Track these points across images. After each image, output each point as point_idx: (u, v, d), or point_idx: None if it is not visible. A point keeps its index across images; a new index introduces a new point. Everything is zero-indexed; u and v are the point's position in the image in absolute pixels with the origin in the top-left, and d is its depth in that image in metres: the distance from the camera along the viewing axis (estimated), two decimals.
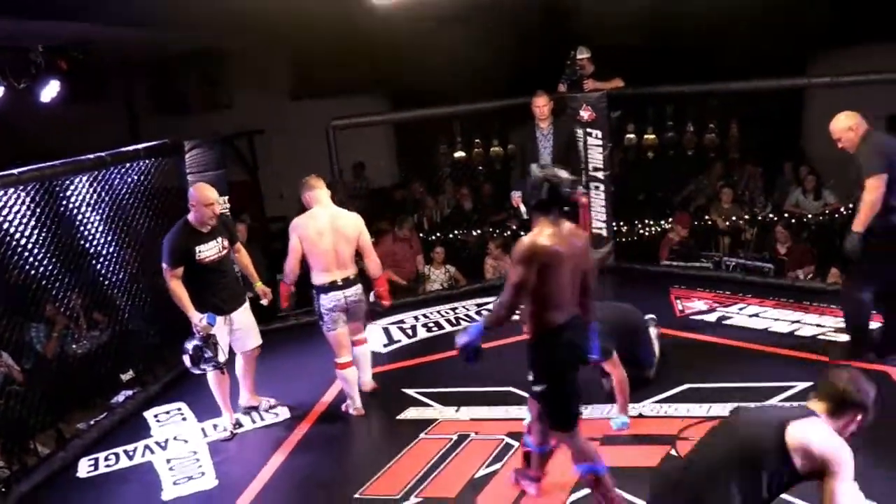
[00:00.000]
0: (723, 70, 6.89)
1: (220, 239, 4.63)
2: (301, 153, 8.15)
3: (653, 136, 7.53)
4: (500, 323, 3.43)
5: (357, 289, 4.81)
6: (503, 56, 7.81)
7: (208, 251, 4.56)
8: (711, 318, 6.00)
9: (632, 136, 7.58)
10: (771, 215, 7.90)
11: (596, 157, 7.14)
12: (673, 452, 4.08)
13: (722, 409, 4.44)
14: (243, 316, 4.84)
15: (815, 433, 2.55)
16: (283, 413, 5.11)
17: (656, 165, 8.01)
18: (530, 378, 3.52)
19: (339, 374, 4.93)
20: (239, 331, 4.79)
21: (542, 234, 3.33)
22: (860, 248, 4.65)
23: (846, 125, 4.69)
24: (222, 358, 4.60)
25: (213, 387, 4.81)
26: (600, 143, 7.11)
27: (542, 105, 6.52)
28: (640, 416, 4.52)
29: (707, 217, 8.03)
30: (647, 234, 8.15)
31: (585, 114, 7.08)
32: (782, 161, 8.47)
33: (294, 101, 10.01)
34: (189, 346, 4.53)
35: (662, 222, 8.09)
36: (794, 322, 5.71)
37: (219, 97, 10.48)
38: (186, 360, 4.55)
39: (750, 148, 8.38)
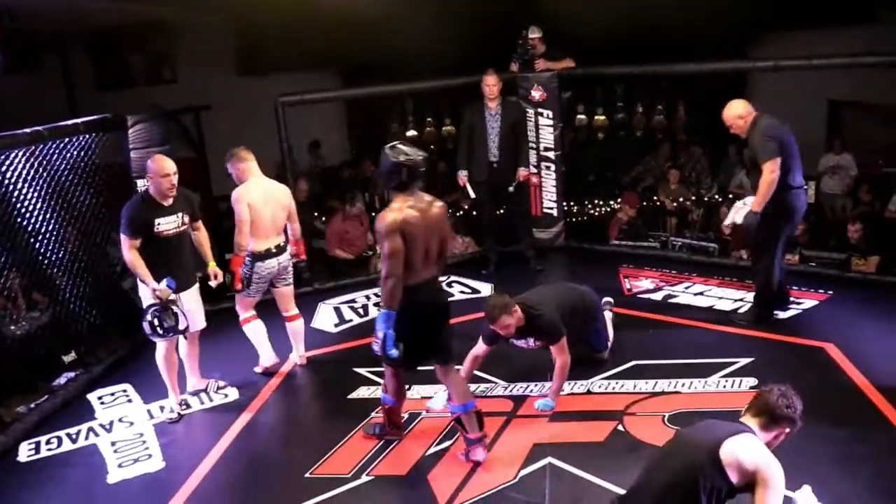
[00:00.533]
0: (670, 52, 6.98)
1: (180, 214, 4.56)
2: (249, 130, 7.97)
3: (603, 117, 7.58)
4: (396, 297, 3.71)
5: (287, 255, 5.11)
6: (457, 33, 7.75)
7: (168, 224, 4.49)
8: (658, 296, 6.12)
9: (582, 116, 7.62)
10: (716, 196, 8.07)
11: (547, 137, 7.18)
12: (620, 428, 4.16)
13: (667, 385, 4.56)
14: (192, 296, 4.76)
15: (747, 448, 2.73)
16: (232, 394, 5.04)
17: (606, 146, 8.10)
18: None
19: (246, 329, 5.18)
20: (187, 312, 4.65)
21: (402, 208, 3.74)
22: (756, 225, 5.12)
23: (737, 113, 5.12)
24: (183, 325, 4.52)
25: (161, 367, 4.72)
26: (551, 123, 7.15)
27: (491, 84, 6.51)
28: (589, 392, 4.60)
29: (655, 197, 8.17)
30: (597, 214, 8.26)
31: (537, 94, 7.11)
32: (727, 143, 8.65)
33: (241, 77, 9.80)
34: (147, 313, 4.42)
35: (612, 202, 8.20)
36: (737, 301, 5.86)
37: (163, 72, 10.20)
38: (146, 327, 4.43)
39: (696, 130, 8.52)
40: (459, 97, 7.07)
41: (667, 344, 5.18)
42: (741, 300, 5.84)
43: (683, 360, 4.87)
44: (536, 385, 4.70)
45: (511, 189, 6.65)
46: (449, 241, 4.25)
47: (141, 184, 5.96)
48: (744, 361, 4.78)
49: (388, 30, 7.78)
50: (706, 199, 8.10)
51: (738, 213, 5.31)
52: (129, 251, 4.40)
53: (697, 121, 8.16)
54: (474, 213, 8.06)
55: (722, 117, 5.18)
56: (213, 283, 4.86)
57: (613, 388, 4.62)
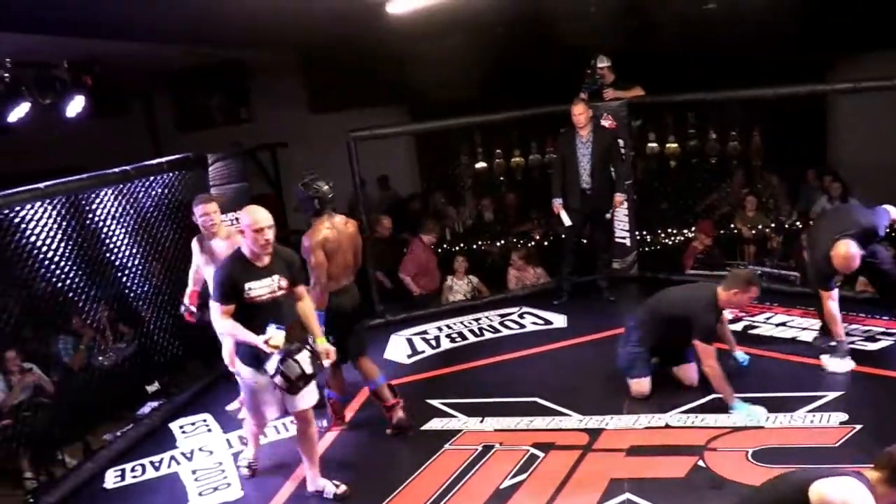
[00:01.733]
0: (745, 76, 6.85)
1: (276, 277, 3.90)
2: (323, 166, 8.19)
3: (675, 145, 7.48)
4: (324, 301, 4.49)
5: None
6: (522, 65, 7.81)
7: (260, 289, 3.84)
8: (738, 327, 5.91)
9: (654, 144, 7.54)
10: (797, 223, 7.81)
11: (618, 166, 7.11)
12: (701, 463, 4.02)
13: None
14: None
15: (840, 489, 2.53)
16: None
17: (679, 174, 7.96)
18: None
19: None
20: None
21: (321, 229, 4.47)
22: None
23: None
24: (308, 368, 3.83)
25: (247, 417, 4.38)
26: (622, 151, 7.08)
27: (578, 114, 6.54)
28: (667, 426, 4.47)
29: (732, 225, 7.96)
30: (670, 243, 8.09)
31: (606, 123, 7.06)
32: (805, 168, 8.39)
33: (314, 115, 10.08)
34: (271, 366, 3.78)
35: (686, 231, 8.03)
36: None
37: (240, 111, 10.60)
38: (279, 381, 3.79)
39: (773, 155, 8.30)
40: (530, 128, 7.09)
41: (748, 376, 5.00)
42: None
43: (766, 394, 4.68)
44: (612, 418, 4.59)
45: (608, 216, 6.64)
46: (360, 254, 4.79)
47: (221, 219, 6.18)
48: (832, 395, 4.57)
49: (453, 65, 7.90)
50: (786, 226, 7.84)
51: None
52: (222, 318, 3.87)
53: (774, 146, 7.98)
54: (545, 243, 8.03)
55: None
56: (325, 363, 4.12)
57: (693, 423, 4.48)
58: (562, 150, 6.74)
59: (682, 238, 8.06)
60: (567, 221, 6.67)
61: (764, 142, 8.01)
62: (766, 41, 7.28)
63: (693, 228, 7.88)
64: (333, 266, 4.53)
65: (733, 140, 7.62)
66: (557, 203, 6.67)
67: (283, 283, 3.92)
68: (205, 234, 4.92)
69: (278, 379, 3.78)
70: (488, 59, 7.92)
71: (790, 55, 7.41)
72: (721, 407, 4.55)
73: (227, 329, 3.92)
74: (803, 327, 5.75)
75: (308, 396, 4.01)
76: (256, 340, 3.77)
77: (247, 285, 3.82)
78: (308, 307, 4.15)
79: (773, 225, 7.88)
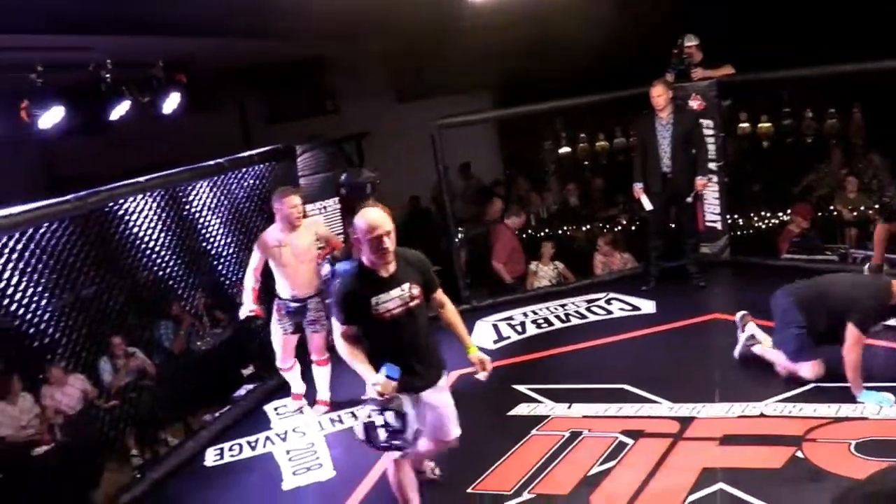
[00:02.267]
0: (842, 51, 6.49)
1: (407, 286, 3.39)
2: (407, 155, 8.29)
3: (768, 124, 7.18)
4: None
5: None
6: (608, 48, 7.65)
7: (389, 302, 3.35)
8: None
9: (745, 124, 7.25)
10: None
11: (708, 147, 6.88)
12: (799, 454, 3.87)
13: (852, 410, 4.19)
14: (437, 396, 3.57)
15: None
16: None
17: (772, 154, 7.64)
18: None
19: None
20: (437, 417, 3.58)
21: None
22: None
23: None
24: (411, 432, 3.33)
25: (394, 488, 3.65)
26: (712, 133, 6.85)
27: (657, 96, 6.35)
28: (762, 415, 4.32)
29: (831, 207, 7.59)
30: (764, 226, 7.79)
31: (695, 104, 6.84)
32: None
33: (398, 104, 10.18)
34: (362, 413, 3.31)
35: (781, 214, 7.71)
36: None
37: (326, 103, 10.80)
38: (359, 432, 3.32)
39: (875, 133, 7.85)
40: (614, 112, 6.95)
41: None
42: None
43: (868, 384, 4.45)
44: (704, 406, 4.48)
45: (689, 200, 6.47)
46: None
47: (309, 208, 6.34)
48: None
49: (537, 49, 7.82)
50: (893, 207, 7.41)
51: None
52: (342, 340, 3.39)
53: (876, 123, 7.55)
54: (632, 228, 7.88)
55: None
56: (481, 376, 3.62)
57: (790, 412, 4.31)
58: (641, 133, 6.58)
59: (777, 221, 7.75)
60: (648, 206, 6.52)
61: (865, 119, 7.58)
62: (864, 10, 6.88)
63: (788, 211, 7.56)
64: None
65: (831, 118, 7.24)
66: (638, 187, 6.53)
67: (416, 290, 3.42)
68: (284, 226, 4.93)
69: (359, 428, 3.31)
70: (571, 43, 7.79)
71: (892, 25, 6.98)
72: (821, 396, 4.37)
73: (344, 355, 3.41)
74: None
75: (451, 428, 3.71)
76: (367, 375, 3.30)
77: (373, 300, 3.32)
78: (453, 314, 3.68)
79: (876, 206, 7.47)
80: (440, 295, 3.63)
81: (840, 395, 4.36)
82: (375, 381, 3.24)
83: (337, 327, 3.44)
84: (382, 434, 3.27)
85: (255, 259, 5.00)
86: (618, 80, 6.98)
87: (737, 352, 4.96)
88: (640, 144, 6.62)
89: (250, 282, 5.04)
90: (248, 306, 5.05)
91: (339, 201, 5.14)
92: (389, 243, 3.31)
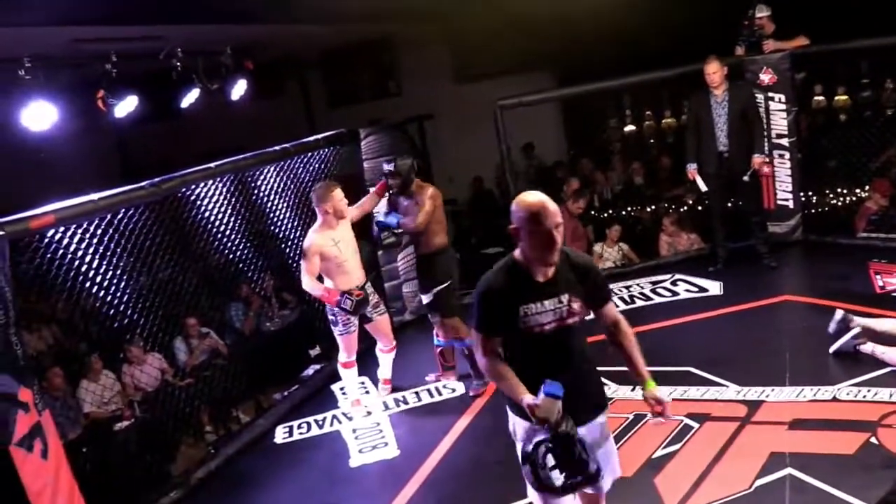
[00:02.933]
0: None
1: (565, 297, 2.70)
2: (470, 135, 8.28)
3: (845, 97, 6.89)
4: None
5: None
6: (674, 20, 7.45)
7: (542, 315, 2.68)
8: None
9: (820, 98, 6.97)
10: None
11: (779, 123, 6.64)
12: (873, 440, 3.75)
13: None
14: (598, 433, 2.87)
15: None
16: (459, 388, 5.25)
17: (849, 129, 7.33)
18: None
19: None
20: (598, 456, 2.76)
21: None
22: None
23: None
24: (593, 466, 2.65)
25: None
26: (784, 107, 6.61)
27: (711, 72, 6.15)
28: (835, 398, 4.19)
29: (880, 178, 7.24)
30: (840, 204, 7.49)
31: (766, 77, 6.60)
32: None
33: (460, 85, 10.15)
34: (529, 448, 2.64)
35: (858, 190, 7.40)
36: None
37: (388, 85, 10.87)
38: (528, 474, 2.66)
39: None
40: (681, 88, 6.78)
41: None
42: None
43: None
44: (773, 389, 4.37)
45: (746, 178, 6.25)
46: None
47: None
48: None
49: (600, 25, 7.67)
50: None
51: None
52: (485, 357, 2.73)
53: None
54: (699, 207, 7.70)
55: None
56: (653, 422, 2.92)
57: (865, 396, 4.17)
58: (696, 111, 6.38)
59: (854, 198, 7.45)
60: (703, 188, 6.34)
61: None
62: None
63: (866, 188, 7.25)
64: (440, 217, 5.12)
65: None
66: (692, 168, 6.35)
67: (576, 305, 2.71)
68: (335, 221, 4.84)
69: (527, 471, 2.65)
70: (636, 18, 7.62)
71: None
72: (894, 381, 4.22)
73: (485, 369, 2.75)
74: None
75: (612, 469, 2.96)
76: (523, 400, 2.60)
77: (523, 308, 2.65)
78: (626, 336, 2.89)
79: None
80: (612, 311, 2.88)
81: None
82: (536, 403, 2.55)
83: (476, 337, 2.75)
84: (556, 472, 2.59)
85: (313, 265, 4.75)
86: (684, 56, 6.80)
87: (835, 347, 4.70)
88: (693, 123, 6.42)
89: (317, 289, 4.79)
90: (345, 300, 4.79)
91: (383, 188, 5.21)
92: (558, 237, 2.61)
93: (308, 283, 4.78)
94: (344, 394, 5.38)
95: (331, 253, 4.79)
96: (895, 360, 4.42)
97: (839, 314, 4.77)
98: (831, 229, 6.97)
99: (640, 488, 3.74)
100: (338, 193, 4.88)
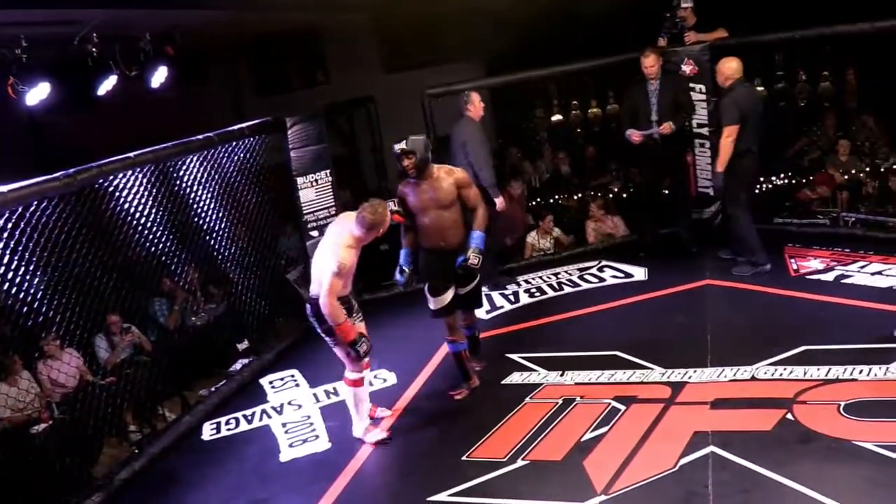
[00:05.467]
0: (837, 11, 6.43)
1: None
2: (400, 124, 8.21)
3: (761, 88, 7.11)
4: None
5: None
6: (595, 13, 7.57)
7: None
8: (829, 276, 5.70)
9: None
10: (895, 166, 7.37)
11: (700, 112, 6.84)
12: (789, 416, 3.91)
13: (842, 372, 4.23)
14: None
15: None
16: (391, 378, 5.23)
17: (765, 118, 7.60)
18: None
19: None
20: None
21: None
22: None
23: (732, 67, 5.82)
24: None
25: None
26: (704, 98, 6.81)
27: (649, 66, 6.35)
28: (754, 378, 4.36)
29: (823, 171, 7.58)
30: (757, 191, 7.77)
31: (687, 68, 6.79)
32: None
33: (389, 74, 10.08)
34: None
35: (773, 179, 7.70)
36: None
37: (317, 74, 10.70)
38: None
39: (869, 96, 7.80)
40: (606, 78, 6.91)
41: (840, 328, 4.80)
42: None
43: (859, 346, 4.50)
44: (695, 371, 4.52)
45: (655, 136, 6.34)
46: None
47: (301, 181, 6.33)
48: None
49: (528, 15, 7.73)
50: (882, 169, 7.40)
51: None
52: None
53: (869, 86, 7.50)
54: (624, 195, 7.87)
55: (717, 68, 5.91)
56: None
57: (781, 375, 4.35)
58: (634, 99, 6.55)
59: (770, 186, 7.74)
60: (655, 133, 6.37)
61: (859, 81, 7.52)
62: None
63: (781, 175, 7.56)
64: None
65: (825, 81, 7.18)
66: (631, 131, 6.42)
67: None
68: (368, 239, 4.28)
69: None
70: (560, 9, 7.71)
71: None
72: (808, 359, 4.41)
73: None
74: None
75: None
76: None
77: None
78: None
79: (867, 169, 7.46)
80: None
81: (831, 357, 4.40)
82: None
83: None
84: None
85: (338, 285, 4.15)
86: (610, 46, 6.93)
87: None
88: (629, 112, 6.58)
89: (340, 317, 4.14)
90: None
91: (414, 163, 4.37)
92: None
93: (332, 305, 4.06)
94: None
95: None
96: None
97: None
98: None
99: (569, 471, 3.81)
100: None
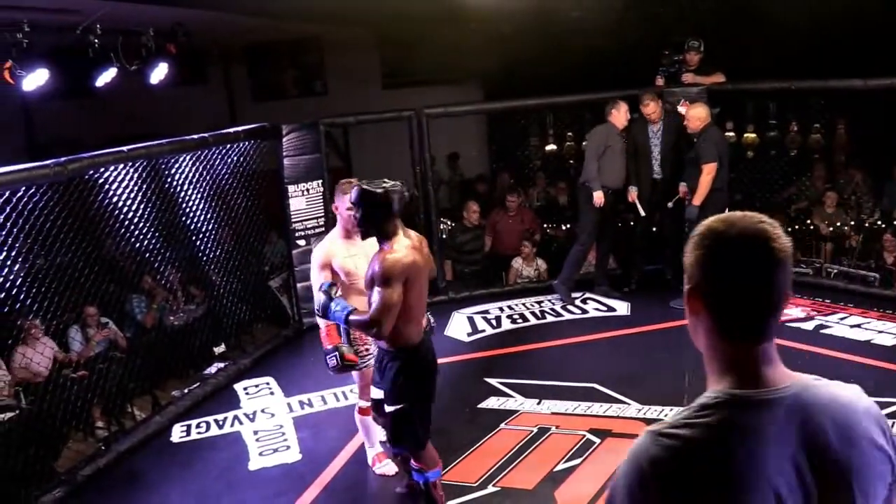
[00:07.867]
0: (831, 66, 6.56)
1: None
2: (393, 143, 8.23)
3: (753, 135, 7.22)
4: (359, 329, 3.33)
5: None
6: (599, 46, 7.66)
7: None
8: (809, 326, 5.75)
9: (731, 133, 7.29)
10: (879, 222, 7.48)
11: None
12: None
13: None
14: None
15: None
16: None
17: (756, 165, 7.70)
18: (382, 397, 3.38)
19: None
20: None
21: (402, 248, 3.09)
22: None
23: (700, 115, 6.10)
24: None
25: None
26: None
27: (650, 112, 6.48)
28: None
29: (809, 221, 7.67)
30: None
31: (683, 109, 6.86)
32: (892, 166, 8.00)
33: (387, 90, 10.12)
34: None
35: None
36: None
37: (314, 84, 10.73)
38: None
39: (859, 150, 7.94)
40: (601, 112, 6.97)
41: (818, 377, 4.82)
42: None
43: None
44: (672, 409, 4.52)
45: (670, 205, 6.50)
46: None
47: (292, 189, 6.32)
48: None
49: (528, 44, 7.80)
50: (867, 224, 7.51)
51: None
52: None
53: (859, 141, 7.63)
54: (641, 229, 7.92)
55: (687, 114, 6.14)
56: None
57: None
58: (636, 138, 6.62)
59: None
60: (642, 212, 6.58)
61: (850, 136, 7.65)
62: (855, 28, 6.94)
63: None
64: (414, 301, 3.21)
65: (816, 133, 7.30)
66: (633, 191, 6.56)
67: None
68: (349, 226, 3.74)
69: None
70: (564, 41, 7.79)
71: (882, 43, 7.04)
72: None
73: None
74: (879, 330, 5.54)
75: None
76: None
77: None
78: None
79: (852, 223, 7.56)
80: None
81: None
82: None
83: None
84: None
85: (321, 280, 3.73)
86: (612, 78, 7.00)
87: None
88: (632, 150, 6.64)
89: (321, 322, 3.71)
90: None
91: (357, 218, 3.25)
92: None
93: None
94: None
95: (344, 267, 3.75)
96: None
97: None
98: None
99: (540, 500, 3.80)
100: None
